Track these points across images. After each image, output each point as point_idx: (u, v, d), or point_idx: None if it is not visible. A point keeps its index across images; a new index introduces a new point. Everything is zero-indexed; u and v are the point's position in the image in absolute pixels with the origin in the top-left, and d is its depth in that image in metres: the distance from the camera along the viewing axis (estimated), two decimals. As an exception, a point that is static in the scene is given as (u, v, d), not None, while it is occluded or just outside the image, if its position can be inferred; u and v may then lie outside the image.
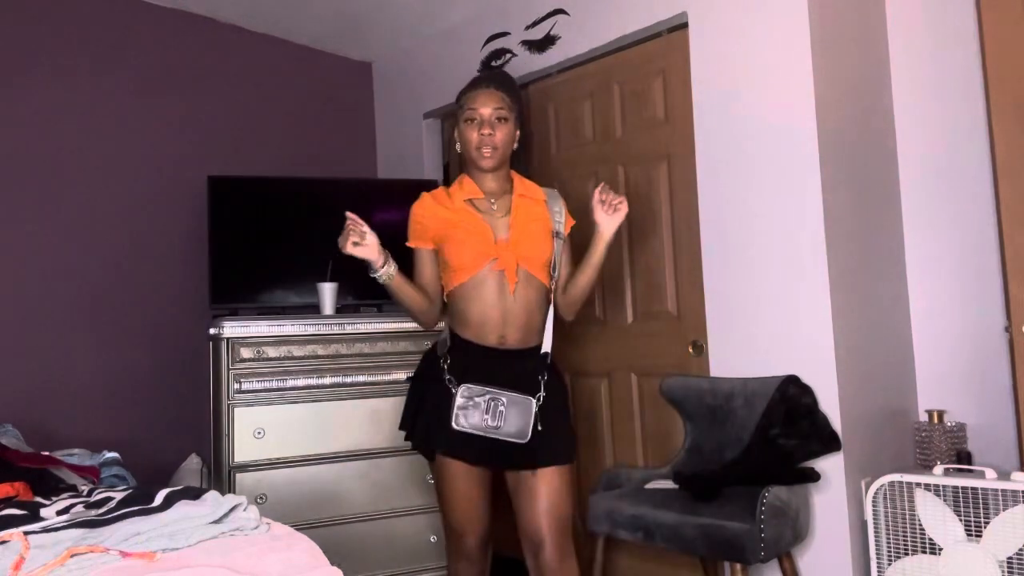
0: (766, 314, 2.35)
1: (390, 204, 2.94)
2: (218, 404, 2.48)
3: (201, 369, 2.69)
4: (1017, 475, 1.96)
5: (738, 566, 1.94)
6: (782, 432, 2.18)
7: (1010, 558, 1.93)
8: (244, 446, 2.46)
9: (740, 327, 2.41)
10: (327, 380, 2.58)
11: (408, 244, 2.12)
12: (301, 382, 2.55)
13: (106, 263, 2.91)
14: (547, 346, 2.05)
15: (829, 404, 2.21)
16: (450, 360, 2.03)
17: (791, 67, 2.31)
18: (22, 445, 2.30)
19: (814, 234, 2.25)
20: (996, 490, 1.97)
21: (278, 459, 2.50)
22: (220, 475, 2.45)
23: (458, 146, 2.10)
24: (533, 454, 1.96)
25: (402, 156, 3.66)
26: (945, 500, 2.04)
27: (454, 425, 1.92)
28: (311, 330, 2.58)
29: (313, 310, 2.74)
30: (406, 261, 2.13)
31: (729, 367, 2.43)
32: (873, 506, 2.13)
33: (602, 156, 2.86)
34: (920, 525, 2.06)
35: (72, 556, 1.26)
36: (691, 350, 2.57)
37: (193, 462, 2.82)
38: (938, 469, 2.10)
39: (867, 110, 2.52)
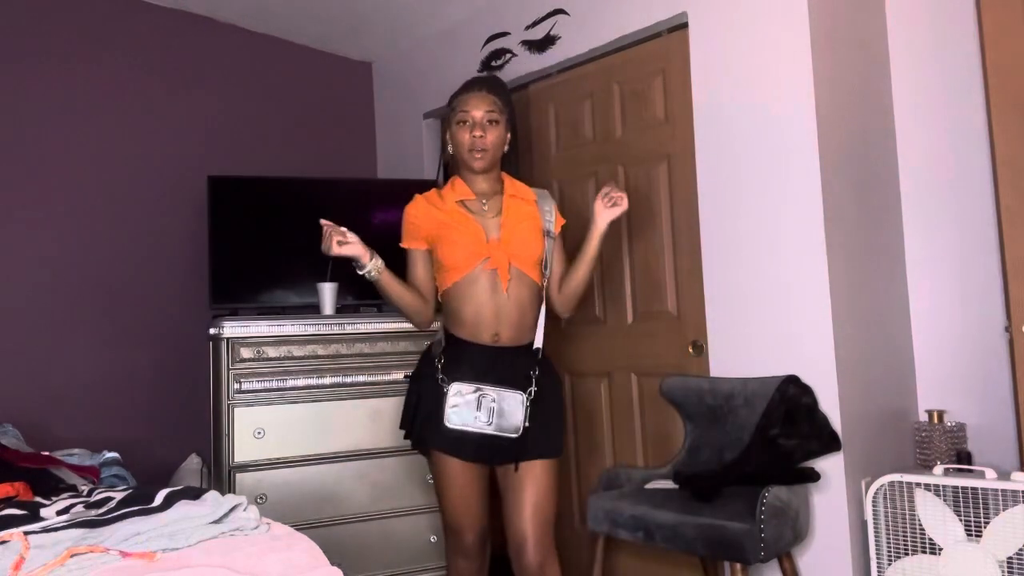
0: (766, 314, 2.35)
1: (390, 204, 2.94)
2: (218, 404, 2.48)
3: (201, 369, 2.69)
4: (1017, 475, 1.96)
5: (738, 566, 1.94)
6: (782, 432, 2.18)
7: (1010, 558, 1.93)
8: (244, 446, 2.46)
9: (740, 327, 2.41)
10: (327, 380, 2.58)
11: (402, 245, 2.16)
12: (301, 382, 2.55)
13: (106, 263, 2.91)
14: (539, 342, 2.08)
15: (829, 404, 2.21)
16: (444, 359, 2.07)
17: (791, 67, 2.31)
18: (22, 445, 2.30)
19: (814, 234, 2.25)
20: (996, 490, 1.97)
21: (278, 459, 2.50)
22: (220, 475, 2.45)
23: (450, 148, 2.14)
24: (521, 449, 2.00)
25: (402, 156, 3.66)
26: (945, 500, 2.04)
27: (446, 423, 1.98)
28: (311, 330, 2.59)
29: (313, 310, 2.74)
30: (401, 263, 2.16)
31: (729, 367, 2.43)
32: (873, 506, 2.13)
33: (602, 156, 2.86)
34: (920, 525, 2.06)
35: (72, 556, 1.26)
36: (691, 350, 2.57)
37: (193, 462, 2.82)
38: (938, 469, 2.10)
39: (867, 110, 2.52)
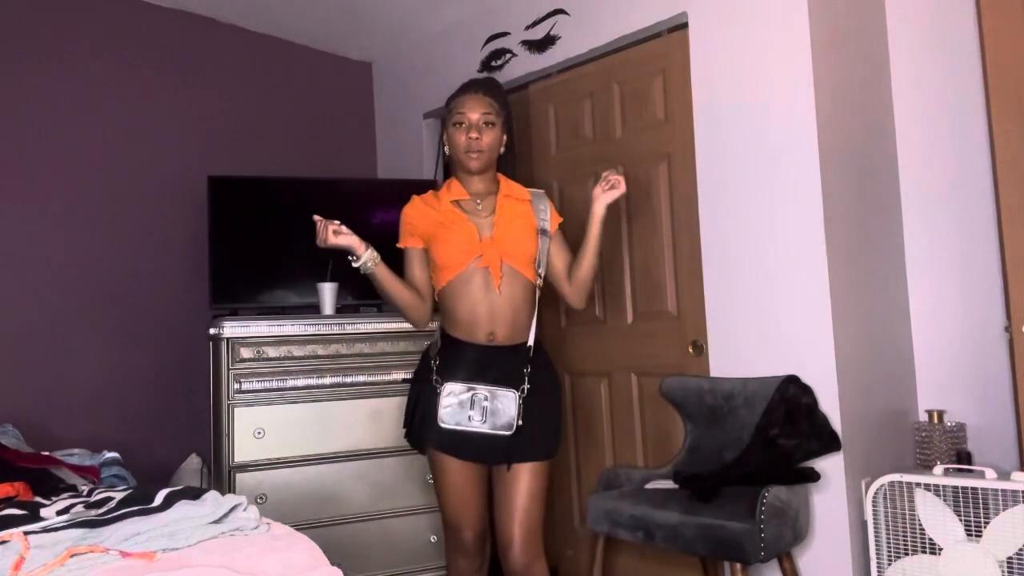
0: (766, 314, 2.35)
1: (389, 204, 2.93)
2: (218, 404, 2.48)
3: (201, 369, 2.69)
4: (1017, 475, 1.96)
5: (738, 566, 1.94)
6: (782, 432, 2.18)
7: (1010, 558, 1.93)
8: (244, 446, 2.47)
9: (740, 327, 2.41)
10: (327, 380, 2.58)
11: (399, 245, 2.20)
12: (301, 382, 2.55)
13: (106, 263, 2.91)
14: (531, 340, 2.10)
15: (829, 404, 2.21)
16: (439, 359, 2.10)
17: (791, 67, 2.31)
18: (22, 445, 2.30)
19: (814, 234, 2.25)
20: (996, 490, 1.97)
21: (278, 459, 2.50)
22: (220, 475, 2.45)
23: (447, 148, 2.17)
24: (511, 450, 2.03)
25: (402, 156, 3.66)
26: (945, 500, 2.04)
27: (440, 423, 2.01)
28: (311, 330, 2.59)
29: (313, 310, 2.74)
30: (401, 265, 2.19)
31: (729, 367, 2.43)
32: (873, 506, 2.13)
33: (602, 156, 2.86)
34: (920, 525, 2.06)
35: (72, 556, 1.26)
36: (691, 350, 2.57)
37: (193, 462, 2.82)
38: (938, 469, 2.10)
39: (867, 110, 2.52)
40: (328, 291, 2.71)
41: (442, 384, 2.04)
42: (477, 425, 2.00)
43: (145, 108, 3.06)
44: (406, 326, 2.65)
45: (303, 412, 2.55)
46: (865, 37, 2.56)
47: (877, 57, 2.60)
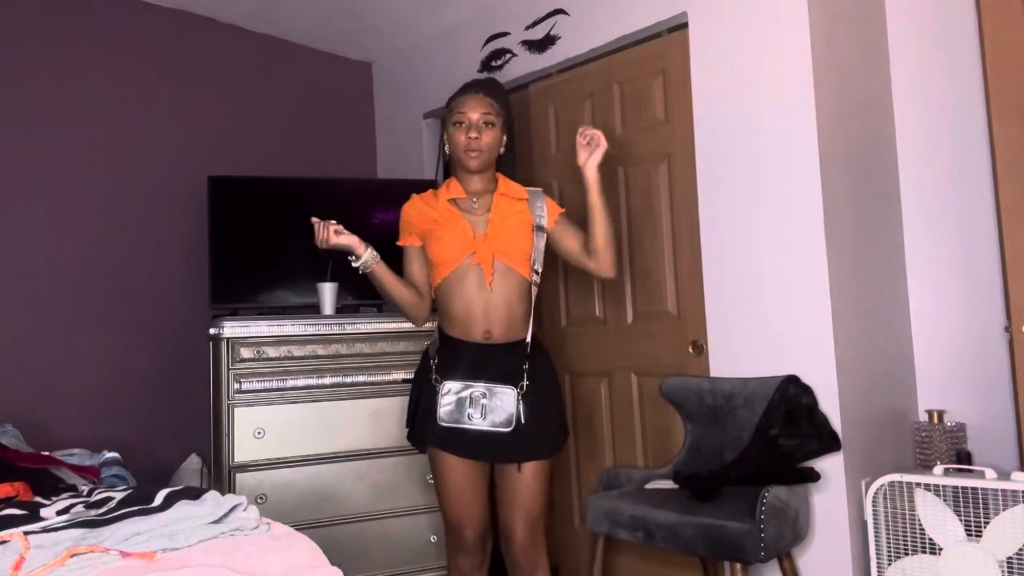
0: (766, 314, 2.35)
1: (389, 204, 2.93)
2: (218, 404, 2.48)
3: (201, 369, 2.69)
4: (1017, 475, 1.96)
5: (738, 566, 1.94)
6: (782, 432, 2.18)
7: (1010, 558, 1.93)
8: (244, 446, 2.47)
9: (740, 327, 2.41)
10: (327, 380, 2.58)
11: (398, 243, 2.25)
12: (301, 382, 2.55)
13: (106, 263, 2.91)
14: (529, 337, 2.11)
15: (829, 404, 2.21)
16: (438, 359, 2.13)
17: (791, 67, 2.31)
18: (22, 445, 2.30)
19: (814, 234, 2.25)
20: (996, 490, 1.97)
21: (278, 459, 2.50)
22: (220, 475, 2.45)
23: (447, 148, 2.19)
24: (515, 448, 2.04)
25: (402, 156, 3.66)
26: (945, 500, 2.04)
27: (439, 422, 2.04)
28: (311, 330, 2.59)
29: (313, 310, 2.74)
30: (401, 264, 2.24)
31: (729, 367, 2.43)
32: (873, 506, 2.13)
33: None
34: (920, 525, 2.06)
35: (72, 556, 1.26)
36: (691, 350, 2.57)
37: (193, 462, 2.82)
38: (938, 469, 2.10)
39: (867, 110, 2.52)
40: (328, 291, 2.71)
41: (441, 383, 2.07)
42: (476, 423, 2.02)
43: (145, 108, 3.06)
44: (406, 326, 2.66)
45: (303, 412, 2.55)
46: (865, 37, 2.56)
47: (877, 57, 2.60)
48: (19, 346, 2.69)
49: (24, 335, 2.71)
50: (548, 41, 2.99)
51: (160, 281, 3.02)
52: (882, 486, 2.13)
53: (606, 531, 2.19)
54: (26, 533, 1.33)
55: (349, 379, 2.61)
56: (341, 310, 2.77)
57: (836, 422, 2.20)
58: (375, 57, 3.80)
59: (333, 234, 2.08)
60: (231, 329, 2.49)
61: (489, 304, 2.08)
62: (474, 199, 2.16)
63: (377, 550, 2.58)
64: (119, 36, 3.02)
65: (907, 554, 2.09)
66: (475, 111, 2.10)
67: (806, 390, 2.23)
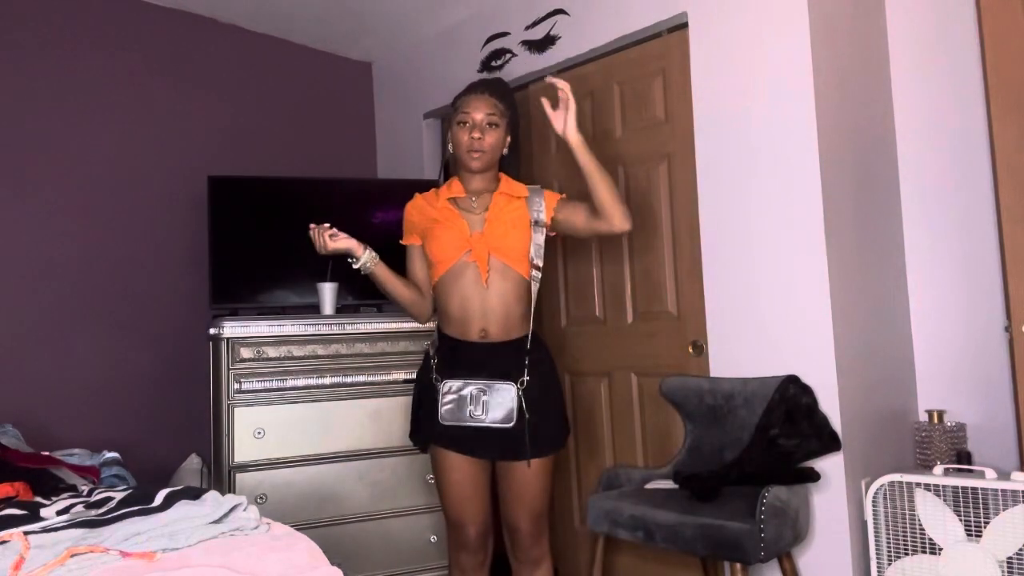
0: (766, 314, 2.35)
1: (389, 204, 2.94)
2: (218, 404, 2.48)
3: (201, 369, 2.69)
4: (1017, 475, 1.96)
5: (738, 566, 1.94)
6: (782, 432, 2.18)
7: (1010, 558, 1.93)
8: (244, 446, 2.46)
9: (740, 327, 2.41)
10: (327, 380, 2.58)
11: (401, 242, 2.27)
12: (301, 382, 2.55)
13: (106, 263, 2.91)
14: (529, 331, 2.11)
15: (829, 404, 2.21)
16: (437, 358, 2.14)
17: (791, 67, 2.31)
18: (22, 445, 2.30)
19: (814, 234, 2.25)
20: (996, 490, 1.97)
21: (278, 459, 2.50)
22: (220, 475, 2.45)
23: (450, 147, 2.19)
24: (517, 446, 2.05)
25: (402, 156, 3.66)
26: (945, 500, 2.04)
27: (440, 421, 2.05)
28: (311, 330, 2.58)
29: (313, 310, 2.74)
30: (402, 263, 2.28)
31: (729, 367, 2.43)
32: (873, 506, 2.13)
33: (602, 156, 2.82)
34: (920, 525, 2.06)
35: (72, 556, 1.26)
36: (691, 350, 2.57)
37: (193, 462, 2.82)
38: (938, 469, 2.10)
39: (867, 110, 2.52)
40: (328, 291, 2.71)
41: (441, 382, 2.08)
42: (478, 420, 2.03)
43: (145, 108, 3.06)
44: (406, 326, 2.66)
45: (303, 412, 2.55)
46: (865, 37, 2.56)
47: (877, 57, 2.60)
48: (19, 346, 2.69)
49: (24, 335, 2.71)
50: (548, 41, 2.99)
51: (160, 281, 3.02)
52: (882, 486, 2.13)
53: (606, 531, 2.19)
54: (26, 533, 1.33)
55: (349, 379, 2.61)
56: (341, 310, 2.77)
57: (836, 422, 2.20)
58: (375, 57, 3.80)
59: (329, 239, 2.12)
60: (231, 329, 2.49)
61: (485, 302, 2.08)
62: (473, 198, 2.17)
63: (377, 550, 2.58)
64: (119, 36, 3.02)
65: (907, 554, 2.09)
66: (479, 111, 2.10)
67: (806, 390, 2.23)
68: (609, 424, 2.83)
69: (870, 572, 2.14)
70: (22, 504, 1.58)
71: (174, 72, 3.16)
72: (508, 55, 3.14)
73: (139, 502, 1.49)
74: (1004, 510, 1.94)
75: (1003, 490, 1.96)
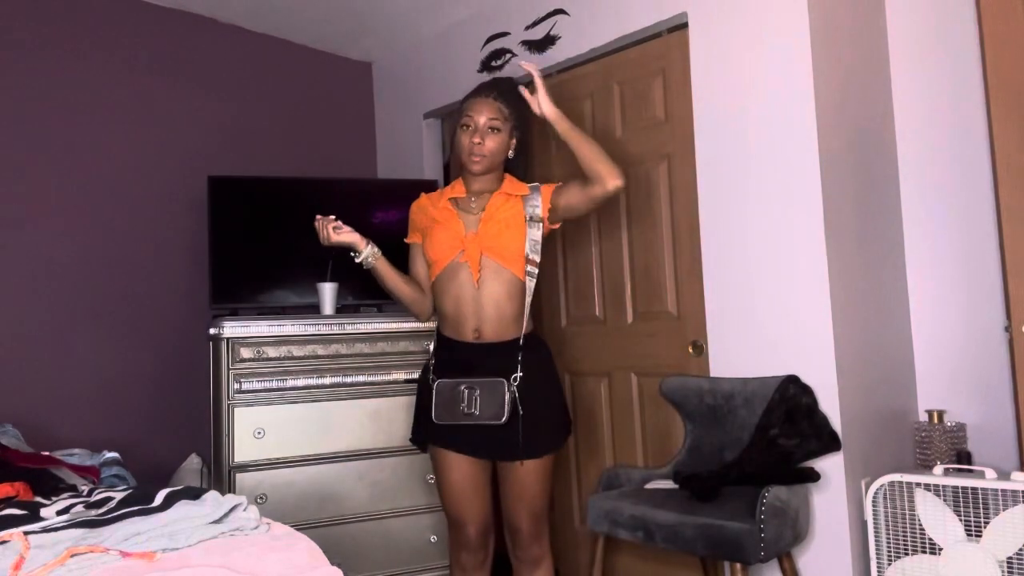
0: (766, 314, 2.35)
1: (390, 204, 2.94)
2: (218, 404, 2.48)
3: (201, 369, 2.69)
4: (1017, 475, 1.96)
5: (738, 566, 1.94)
6: (782, 432, 2.18)
7: (1010, 558, 1.93)
8: (244, 446, 2.46)
9: (740, 327, 2.41)
10: (327, 380, 2.58)
11: (405, 240, 2.30)
12: (301, 382, 2.55)
13: (106, 263, 2.91)
14: (523, 331, 2.11)
15: (829, 404, 2.21)
16: (435, 359, 2.17)
17: (791, 67, 2.31)
18: (22, 445, 2.30)
19: (814, 234, 2.25)
20: (996, 490, 1.97)
21: (278, 459, 2.50)
22: (220, 475, 2.45)
23: (457, 147, 2.20)
24: (511, 446, 2.04)
25: (402, 156, 3.66)
26: (945, 500, 2.04)
27: (434, 420, 2.07)
28: (311, 330, 2.58)
29: (313, 310, 2.74)
30: (403, 261, 2.30)
31: (729, 367, 2.43)
32: (873, 506, 2.13)
33: (602, 156, 2.85)
34: (920, 525, 2.06)
35: (72, 556, 1.26)
36: (691, 350, 2.57)
37: (193, 462, 2.82)
38: (938, 469, 2.10)
39: (867, 110, 2.52)
40: (328, 291, 2.71)
41: (435, 381, 2.10)
42: (468, 418, 2.03)
43: (145, 108, 3.06)
44: (406, 326, 2.66)
45: (303, 412, 2.55)
46: (865, 37, 2.56)
47: (877, 57, 2.60)
48: (19, 346, 2.69)
49: (24, 335, 2.71)
50: (548, 41, 2.99)
51: (160, 281, 3.02)
52: (882, 486, 2.13)
53: (606, 531, 2.19)
54: (26, 533, 1.33)
55: (349, 379, 2.61)
56: (341, 310, 2.77)
57: (836, 422, 2.20)
58: (375, 57, 3.80)
59: (332, 232, 2.15)
60: (231, 329, 2.49)
61: (478, 303, 2.09)
62: (472, 198, 2.18)
63: (377, 550, 2.58)
64: (119, 36, 3.02)
65: (907, 554, 2.09)
66: (481, 115, 2.11)
67: (806, 390, 2.23)
68: (609, 424, 2.83)
69: (870, 572, 2.14)
70: (22, 504, 1.58)
71: (174, 72, 3.16)
72: (508, 55, 3.14)
73: (139, 502, 1.49)
74: (1004, 510, 1.94)
75: (1003, 490, 1.96)
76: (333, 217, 2.18)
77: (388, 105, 3.76)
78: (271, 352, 2.54)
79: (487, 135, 2.11)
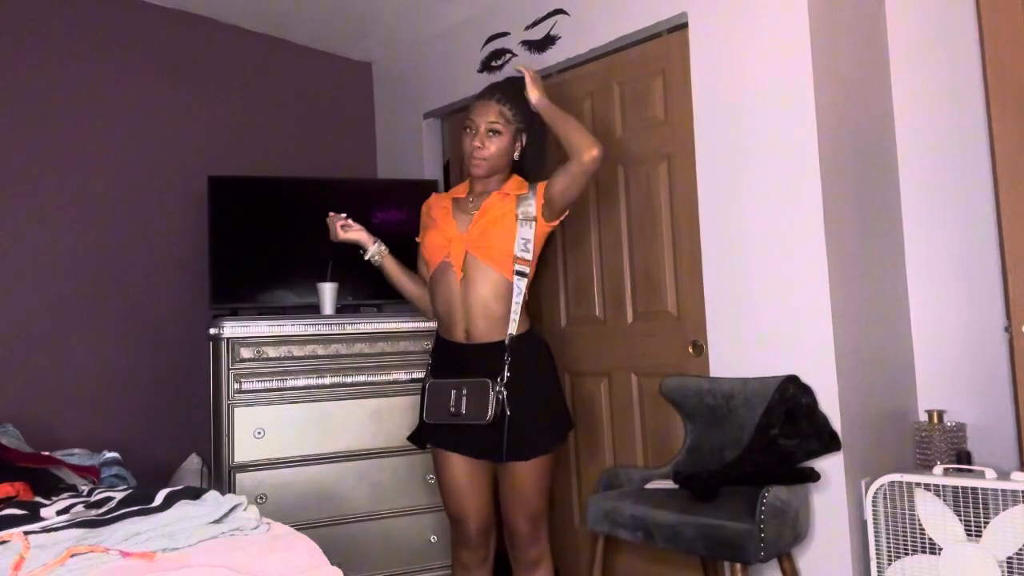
0: (766, 314, 2.35)
1: (390, 204, 2.94)
2: (218, 404, 2.48)
3: (201, 369, 2.69)
4: (1017, 475, 1.96)
5: (738, 566, 1.94)
6: (782, 432, 2.18)
7: (1010, 558, 1.93)
8: (244, 446, 2.47)
9: (740, 327, 2.41)
10: (327, 380, 2.58)
11: (417, 239, 2.32)
12: (301, 382, 2.55)
13: (106, 263, 2.91)
14: (512, 330, 2.08)
15: (829, 404, 2.21)
16: (432, 360, 2.20)
17: (791, 67, 2.31)
18: (22, 445, 2.30)
19: (814, 234, 2.25)
20: (996, 490, 1.97)
21: (278, 459, 2.50)
22: (220, 475, 2.45)
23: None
24: (500, 446, 2.04)
25: (402, 156, 3.66)
26: (945, 500, 2.04)
27: (425, 419, 2.11)
28: (311, 330, 2.59)
29: (313, 310, 2.74)
30: (405, 261, 2.34)
31: (729, 367, 2.42)
32: (873, 506, 2.13)
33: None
34: (920, 525, 2.06)
35: (72, 556, 1.26)
36: (691, 350, 2.57)
37: (193, 462, 2.82)
38: (938, 469, 2.10)
39: (867, 110, 2.52)
40: (328, 291, 2.71)
41: (429, 381, 2.14)
42: (456, 417, 2.04)
43: (145, 108, 3.06)
44: (406, 326, 2.66)
45: (303, 412, 2.55)
46: (865, 37, 2.56)
47: (877, 56, 2.60)
48: (19, 346, 2.69)
49: (24, 335, 2.71)
50: (548, 41, 2.99)
51: (160, 281, 3.02)
52: (882, 486, 2.13)
53: (606, 531, 2.19)
54: (26, 533, 1.33)
55: (349, 379, 2.61)
56: (341, 310, 2.77)
57: (836, 422, 2.20)
58: (375, 57, 3.80)
59: (341, 230, 2.22)
60: (231, 329, 2.49)
61: (465, 303, 2.10)
62: (471, 199, 2.18)
63: (377, 550, 2.58)
64: (119, 36, 3.02)
65: (907, 554, 2.09)
66: (482, 118, 2.12)
67: (806, 390, 2.23)
68: (609, 424, 2.83)
69: (870, 572, 2.14)
70: (22, 504, 1.58)
71: (174, 72, 3.16)
72: (508, 55, 3.14)
73: (139, 502, 1.49)
74: (1004, 510, 1.94)
75: (1003, 490, 1.96)
76: (344, 215, 2.25)
77: (388, 105, 3.76)
78: (271, 352, 2.54)
79: (487, 138, 2.11)
